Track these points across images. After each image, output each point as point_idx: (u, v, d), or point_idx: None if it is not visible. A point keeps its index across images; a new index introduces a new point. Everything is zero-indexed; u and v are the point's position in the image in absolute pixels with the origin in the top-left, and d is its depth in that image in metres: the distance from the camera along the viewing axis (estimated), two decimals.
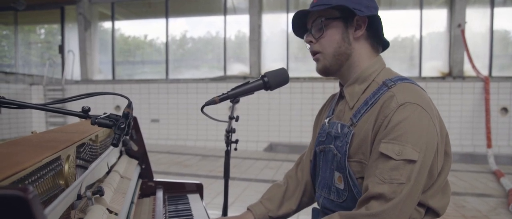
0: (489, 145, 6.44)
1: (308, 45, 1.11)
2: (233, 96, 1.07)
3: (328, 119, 1.15)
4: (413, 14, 8.38)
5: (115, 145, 0.81)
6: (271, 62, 8.68)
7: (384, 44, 1.12)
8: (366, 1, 1.04)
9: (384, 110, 0.94)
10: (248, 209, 1.26)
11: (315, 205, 1.25)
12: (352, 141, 1.01)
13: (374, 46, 1.09)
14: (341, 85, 1.13)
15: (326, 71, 1.10)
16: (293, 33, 1.19)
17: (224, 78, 8.58)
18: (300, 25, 1.14)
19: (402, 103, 0.93)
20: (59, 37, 10.37)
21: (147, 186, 1.65)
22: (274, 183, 1.33)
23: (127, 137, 1.55)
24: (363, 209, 0.92)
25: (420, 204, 0.99)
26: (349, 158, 1.01)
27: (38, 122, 8.89)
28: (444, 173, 1.00)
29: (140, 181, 1.61)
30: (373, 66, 1.06)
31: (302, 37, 1.16)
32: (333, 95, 1.25)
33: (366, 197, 0.93)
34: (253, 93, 1.09)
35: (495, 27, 7.94)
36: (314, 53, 1.10)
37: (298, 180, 1.30)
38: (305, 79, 7.69)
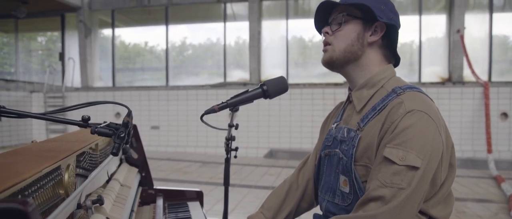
0: (489, 150, 6.43)
1: (323, 37, 1.13)
2: (233, 105, 1.07)
3: (335, 124, 1.16)
4: (412, 19, 8.41)
5: (115, 154, 0.81)
6: (271, 68, 8.69)
7: (396, 61, 1.14)
8: (390, 14, 1.06)
9: (392, 116, 0.95)
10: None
11: (317, 210, 1.25)
12: (359, 144, 1.02)
13: (386, 56, 1.11)
14: (350, 90, 1.15)
15: (330, 63, 1.11)
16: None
17: (224, 85, 8.59)
18: (322, 20, 1.16)
19: (410, 111, 0.94)
20: (60, 45, 10.40)
21: (147, 194, 1.65)
22: (273, 191, 1.33)
23: (127, 145, 1.55)
24: (361, 211, 0.93)
25: (423, 213, 0.99)
26: (355, 161, 1.02)
27: (38, 129, 8.89)
28: (447, 184, 1.01)
29: (140, 188, 1.61)
30: (383, 73, 1.08)
31: (319, 31, 1.18)
32: (341, 103, 1.26)
33: (365, 199, 0.94)
34: (252, 101, 1.09)
35: (494, 32, 7.96)
36: (325, 44, 1.12)
37: (298, 184, 1.30)
38: (305, 85, 7.70)
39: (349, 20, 1.07)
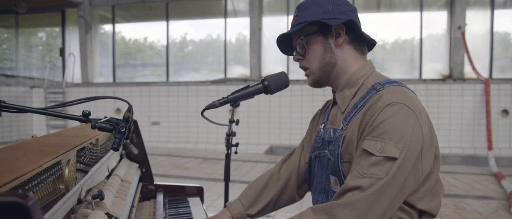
0: (490, 147, 6.42)
1: (298, 63, 1.15)
2: (233, 100, 1.07)
3: (323, 125, 1.17)
4: (413, 16, 8.39)
5: (115, 149, 0.81)
6: (271, 64, 8.68)
7: (370, 43, 1.14)
8: (341, 8, 1.06)
9: (371, 110, 0.96)
10: (225, 206, 1.28)
11: None
12: (343, 143, 1.03)
13: (358, 48, 1.11)
14: (333, 91, 1.15)
15: (317, 84, 1.14)
16: (282, 53, 1.23)
17: (224, 81, 8.59)
18: (287, 46, 1.19)
19: (389, 103, 0.94)
20: (60, 40, 10.39)
21: (148, 189, 1.65)
22: (254, 180, 1.34)
23: (128, 141, 1.55)
24: (338, 200, 0.94)
25: (411, 206, 0.99)
26: (341, 159, 1.03)
27: (38, 124, 8.90)
28: (433, 176, 1.01)
29: (141, 184, 1.61)
30: (362, 70, 1.08)
31: (291, 55, 1.21)
32: (328, 102, 1.27)
33: (343, 189, 0.94)
34: (253, 97, 1.09)
35: (495, 29, 7.94)
36: (304, 69, 1.14)
37: (279, 176, 1.31)
38: (305, 81, 7.68)
39: (309, 40, 1.09)
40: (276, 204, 1.29)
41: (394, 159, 0.90)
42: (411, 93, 1.01)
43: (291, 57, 1.25)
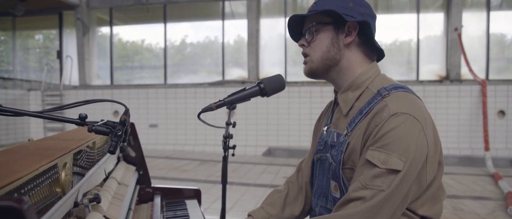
0: (486, 148, 6.44)
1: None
2: (230, 103, 1.07)
3: (326, 127, 1.15)
4: (410, 18, 8.41)
5: (112, 152, 0.81)
6: (269, 66, 8.69)
7: (379, 53, 1.12)
8: (361, 9, 1.04)
9: (376, 119, 0.94)
10: (249, 215, 1.23)
11: None
12: (346, 150, 1.01)
13: (367, 54, 1.09)
14: (335, 92, 1.13)
15: (312, 74, 1.11)
16: (291, 38, 1.20)
17: (222, 83, 8.59)
18: (297, 31, 1.16)
19: (394, 113, 0.93)
20: (57, 43, 10.36)
21: (145, 192, 1.65)
22: (274, 189, 1.31)
23: (125, 143, 1.55)
24: (339, 211, 0.93)
25: (413, 212, 0.99)
26: (343, 165, 1.02)
27: (36, 127, 8.87)
28: (436, 182, 1.00)
29: (138, 187, 1.61)
30: (367, 73, 1.06)
31: (297, 41, 1.17)
32: (331, 102, 1.25)
33: (345, 199, 0.93)
34: (249, 99, 1.09)
35: (491, 31, 7.98)
36: (305, 55, 1.11)
37: (299, 185, 1.28)
38: (303, 83, 7.70)
39: (320, 28, 1.06)
40: (301, 215, 1.26)
41: (398, 171, 0.89)
42: (417, 100, 0.99)
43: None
